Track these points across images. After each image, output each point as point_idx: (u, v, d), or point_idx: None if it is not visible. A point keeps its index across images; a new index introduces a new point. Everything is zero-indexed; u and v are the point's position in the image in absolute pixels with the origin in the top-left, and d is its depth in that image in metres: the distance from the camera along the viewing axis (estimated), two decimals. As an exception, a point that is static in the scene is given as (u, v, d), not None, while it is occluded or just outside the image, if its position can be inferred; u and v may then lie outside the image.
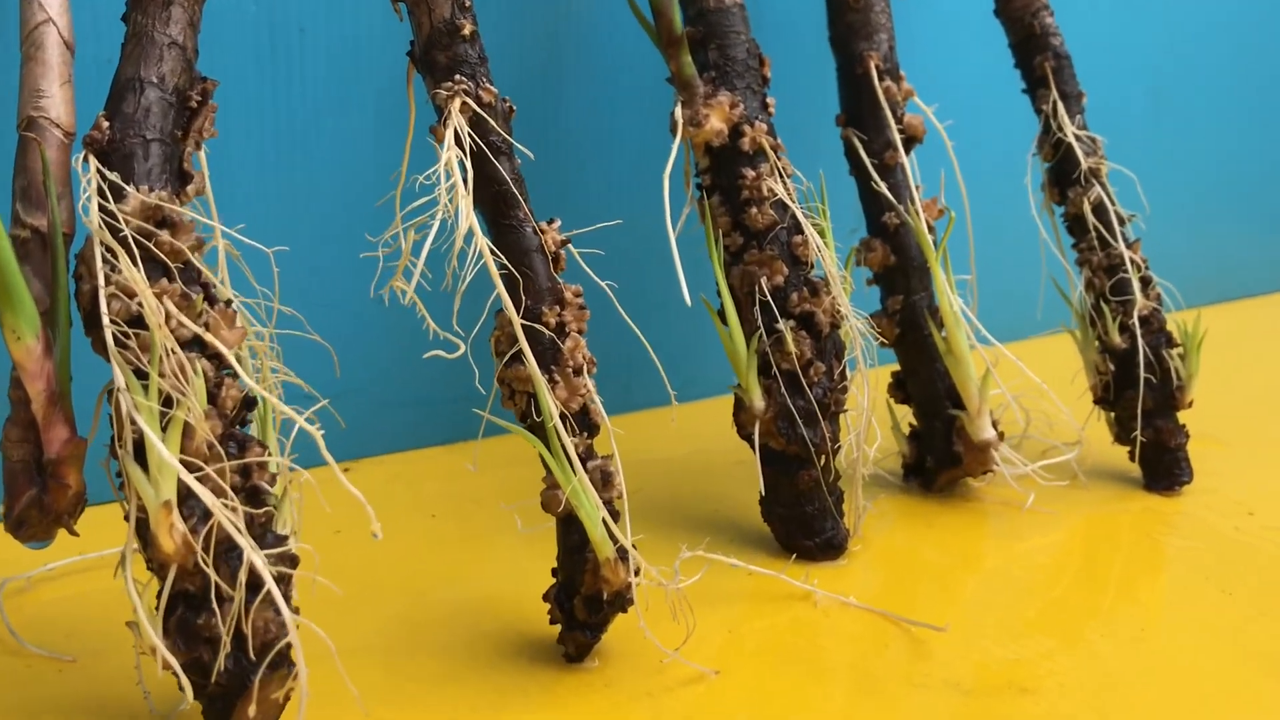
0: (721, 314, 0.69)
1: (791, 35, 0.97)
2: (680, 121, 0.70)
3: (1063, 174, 0.86)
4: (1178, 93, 1.30)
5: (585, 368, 0.56)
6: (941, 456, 0.78)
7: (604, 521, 0.54)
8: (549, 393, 0.53)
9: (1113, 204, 0.84)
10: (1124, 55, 1.24)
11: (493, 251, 0.55)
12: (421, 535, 0.72)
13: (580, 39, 0.88)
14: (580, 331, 0.57)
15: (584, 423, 0.56)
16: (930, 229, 0.79)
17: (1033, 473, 0.76)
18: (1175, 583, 0.69)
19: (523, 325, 0.55)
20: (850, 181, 0.81)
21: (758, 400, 0.68)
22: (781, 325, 0.68)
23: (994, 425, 0.77)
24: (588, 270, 0.58)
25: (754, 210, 0.70)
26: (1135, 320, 0.81)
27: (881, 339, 0.80)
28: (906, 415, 0.82)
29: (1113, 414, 0.84)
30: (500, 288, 0.52)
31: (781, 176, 0.71)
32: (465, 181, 0.52)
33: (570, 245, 0.58)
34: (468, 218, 0.51)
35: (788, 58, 0.97)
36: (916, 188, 0.80)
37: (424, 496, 0.78)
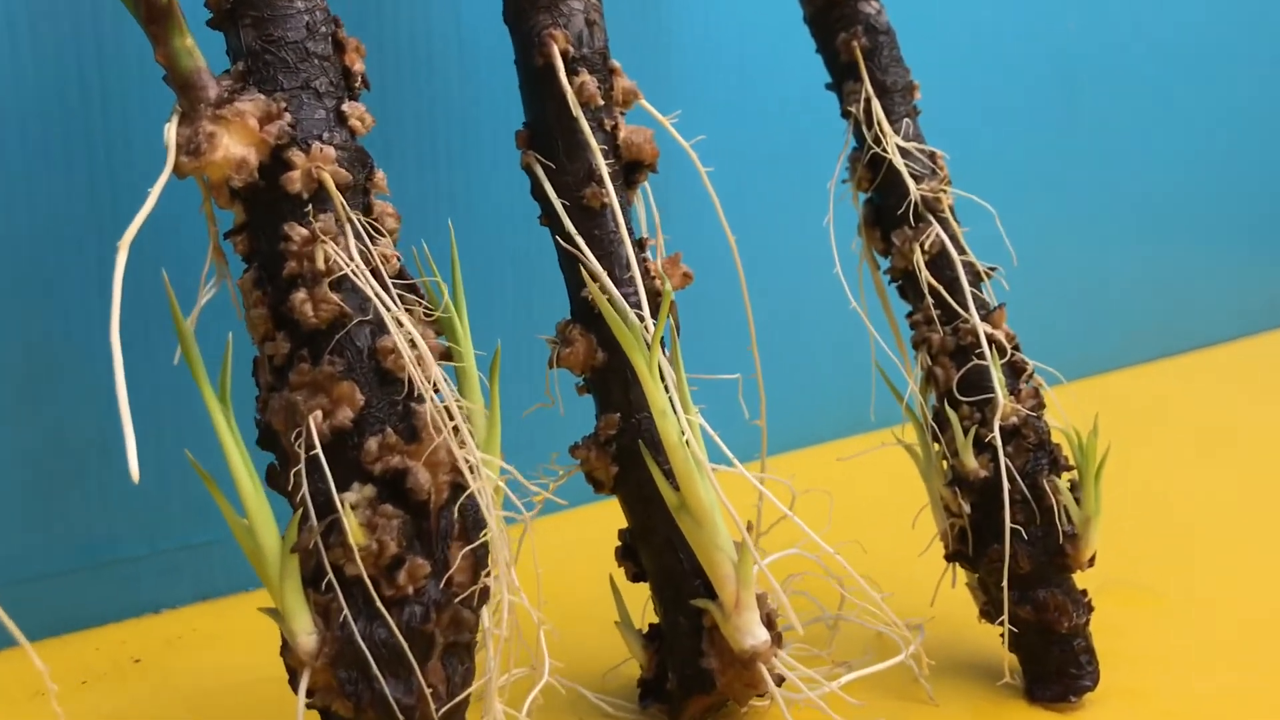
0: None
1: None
2: (171, 146, 0.42)
3: (885, 209, 0.58)
4: (1097, 85, 1.04)
5: None
6: (687, 674, 0.50)
7: None
8: None
9: (962, 252, 0.57)
10: (1025, 35, 0.97)
11: None
12: None
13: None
14: None
15: None
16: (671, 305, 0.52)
17: (833, 695, 0.48)
18: None
19: None
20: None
21: (304, 634, 0.40)
22: (345, 497, 0.40)
23: (768, 621, 0.49)
24: None
25: (302, 295, 0.42)
26: (997, 433, 0.53)
27: (594, 481, 0.52)
28: (645, 599, 0.54)
29: (975, 575, 0.56)
30: None
31: (363, 236, 0.43)
32: None
33: None
34: None
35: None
36: (641, 242, 0.52)
37: None
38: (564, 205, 0.51)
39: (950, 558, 0.56)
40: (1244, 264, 1.21)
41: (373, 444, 0.41)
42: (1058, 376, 0.58)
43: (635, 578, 0.53)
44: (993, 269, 0.58)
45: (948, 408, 0.55)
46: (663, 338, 0.50)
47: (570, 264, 0.52)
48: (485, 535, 0.42)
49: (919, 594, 0.58)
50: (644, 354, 0.47)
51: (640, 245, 0.53)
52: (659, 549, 0.51)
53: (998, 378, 0.54)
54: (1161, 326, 1.15)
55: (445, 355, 0.45)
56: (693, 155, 0.55)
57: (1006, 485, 0.53)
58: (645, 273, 0.52)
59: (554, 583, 0.63)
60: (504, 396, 0.45)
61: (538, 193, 0.52)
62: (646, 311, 0.50)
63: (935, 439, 0.56)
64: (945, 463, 0.56)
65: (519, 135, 0.53)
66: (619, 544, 0.54)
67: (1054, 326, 1.05)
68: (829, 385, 0.87)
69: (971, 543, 0.55)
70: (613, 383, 0.51)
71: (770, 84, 0.81)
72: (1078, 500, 0.54)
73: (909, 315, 0.58)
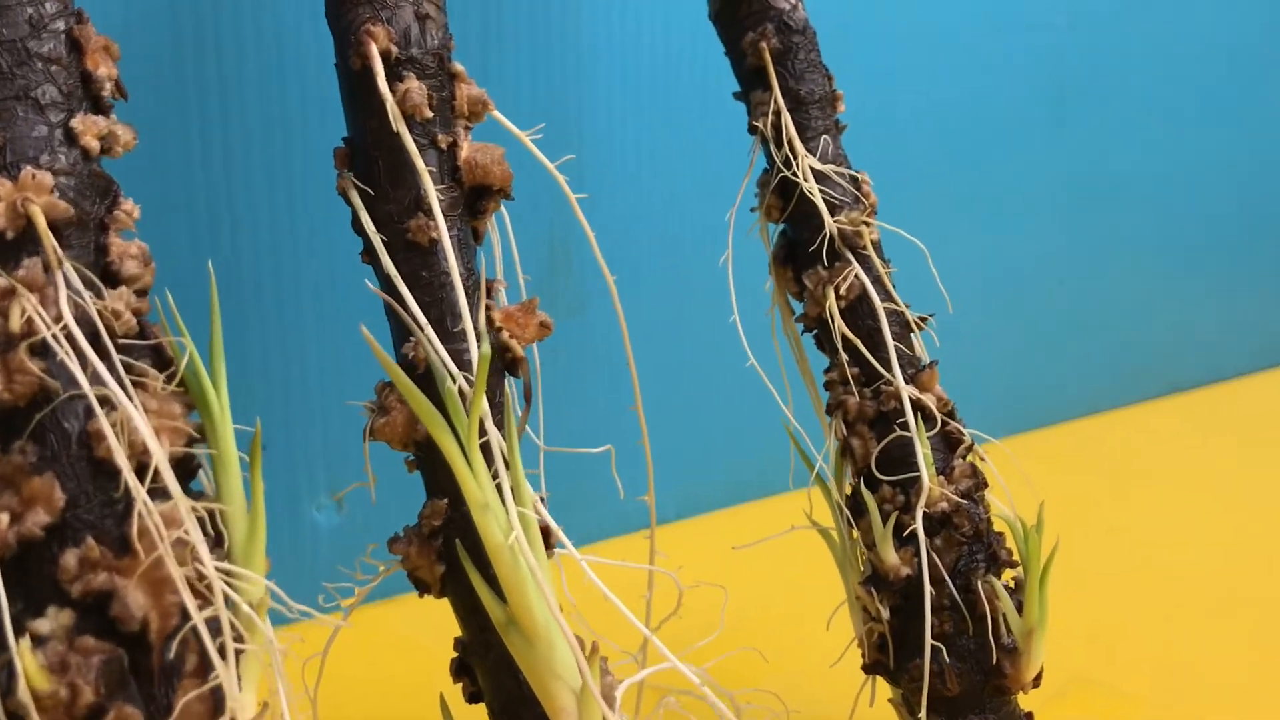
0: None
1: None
2: None
3: (799, 244, 0.49)
4: (1092, 98, 0.94)
5: None
6: (526, 828, 0.41)
7: None
8: None
9: (886, 297, 0.48)
10: (1007, 36, 0.88)
11: None
12: None
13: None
14: None
15: None
16: (516, 362, 0.43)
17: None
18: None
19: None
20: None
21: (-34, 810, 0.31)
22: (38, 625, 0.32)
23: (624, 763, 0.40)
24: None
25: (-14, 364, 0.33)
26: (919, 523, 0.44)
27: (418, 582, 0.43)
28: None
29: (899, 691, 0.47)
30: None
31: (78, 288, 0.34)
32: None
33: None
34: None
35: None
36: (488, 285, 0.44)
37: None
38: (384, 240, 0.42)
39: (868, 669, 0.47)
40: (1255, 294, 1.11)
41: (71, 558, 0.32)
42: (985, 436, 0.48)
43: (472, 698, 0.44)
44: (925, 318, 0.48)
45: (864, 489, 0.46)
46: (497, 406, 0.41)
47: (393, 312, 0.43)
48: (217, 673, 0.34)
49: (833, 710, 0.49)
50: (449, 430, 0.38)
51: (486, 289, 0.44)
52: (495, 668, 0.42)
53: (923, 454, 0.45)
54: (1161, 364, 1.05)
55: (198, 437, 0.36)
56: (559, 178, 0.46)
57: (928, 588, 0.44)
58: (489, 323, 0.43)
59: (373, 697, 0.55)
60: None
61: (357, 225, 0.44)
62: (479, 372, 0.41)
63: (850, 525, 0.47)
64: (859, 559, 0.47)
65: (337, 154, 0.44)
66: (454, 655, 0.45)
67: (1039, 363, 0.96)
68: (745, 443, 0.76)
69: (893, 653, 0.46)
70: (438, 461, 0.42)
71: (701, 92, 0.71)
72: (1021, 604, 0.44)
73: (825, 371, 0.49)
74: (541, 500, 0.43)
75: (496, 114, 0.46)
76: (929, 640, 0.43)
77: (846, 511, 0.47)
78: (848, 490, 0.48)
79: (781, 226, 0.51)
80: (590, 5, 0.66)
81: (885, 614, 0.45)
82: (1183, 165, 1.01)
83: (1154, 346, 1.03)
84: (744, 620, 0.49)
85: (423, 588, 0.43)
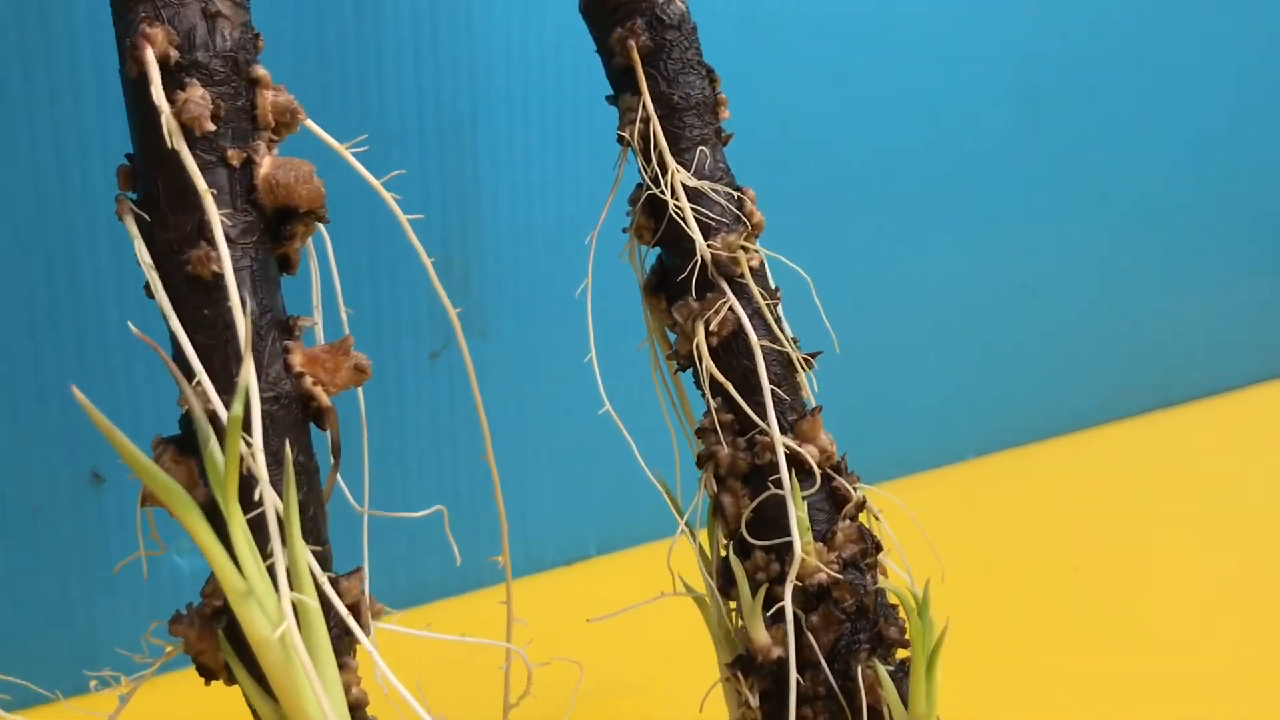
0: None
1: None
2: None
3: (670, 271, 0.44)
4: (1061, 92, 0.88)
5: None
6: None
7: None
8: None
9: (769, 334, 0.42)
10: (979, 36, 0.82)
11: None
12: None
13: None
14: None
15: None
16: (321, 413, 0.38)
17: None
18: None
19: None
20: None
21: None
22: None
23: None
24: None
25: None
26: (788, 599, 0.39)
27: (203, 669, 0.38)
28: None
29: (778, 786, 0.42)
30: None
31: None
32: None
33: None
34: None
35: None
36: (288, 324, 0.38)
37: None
38: (162, 275, 0.37)
39: (742, 762, 0.42)
40: (1251, 299, 1.04)
41: None
42: (874, 489, 0.43)
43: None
44: (810, 357, 0.43)
45: (734, 555, 0.41)
46: (298, 466, 0.36)
47: (182, 359, 0.38)
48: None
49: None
50: (191, 504, 0.32)
51: (286, 329, 0.39)
52: (288, 770, 0.37)
53: (797, 516, 0.40)
54: (1148, 376, 0.99)
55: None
56: (386, 196, 0.41)
57: (794, 674, 0.38)
58: (288, 369, 0.38)
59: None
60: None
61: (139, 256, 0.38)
62: (258, 429, 0.36)
63: (723, 593, 0.42)
64: (727, 634, 0.41)
65: (119, 173, 0.39)
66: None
67: (1015, 377, 0.90)
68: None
69: (766, 745, 0.40)
70: (221, 531, 0.37)
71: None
72: (908, 694, 0.39)
73: (704, 416, 0.44)
74: (352, 574, 0.38)
75: (309, 123, 0.40)
76: (795, 737, 0.38)
77: (713, 582, 0.41)
78: (724, 553, 0.43)
79: (657, 251, 0.45)
80: (484, 2, 0.61)
81: (755, 701, 0.40)
82: (1170, 164, 0.95)
83: (1140, 358, 0.97)
84: (607, 697, 0.44)
85: (208, 674, 0.38)
